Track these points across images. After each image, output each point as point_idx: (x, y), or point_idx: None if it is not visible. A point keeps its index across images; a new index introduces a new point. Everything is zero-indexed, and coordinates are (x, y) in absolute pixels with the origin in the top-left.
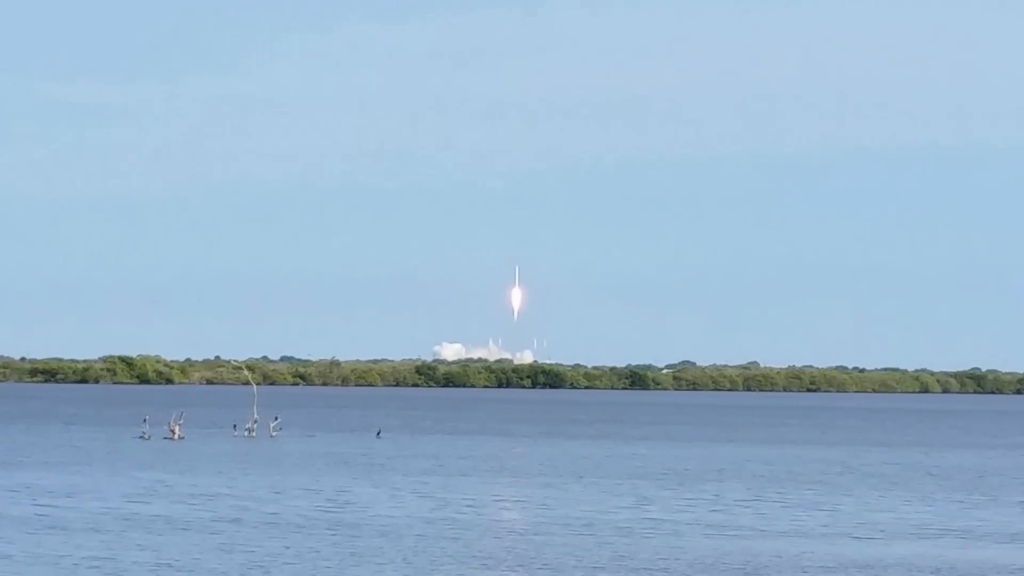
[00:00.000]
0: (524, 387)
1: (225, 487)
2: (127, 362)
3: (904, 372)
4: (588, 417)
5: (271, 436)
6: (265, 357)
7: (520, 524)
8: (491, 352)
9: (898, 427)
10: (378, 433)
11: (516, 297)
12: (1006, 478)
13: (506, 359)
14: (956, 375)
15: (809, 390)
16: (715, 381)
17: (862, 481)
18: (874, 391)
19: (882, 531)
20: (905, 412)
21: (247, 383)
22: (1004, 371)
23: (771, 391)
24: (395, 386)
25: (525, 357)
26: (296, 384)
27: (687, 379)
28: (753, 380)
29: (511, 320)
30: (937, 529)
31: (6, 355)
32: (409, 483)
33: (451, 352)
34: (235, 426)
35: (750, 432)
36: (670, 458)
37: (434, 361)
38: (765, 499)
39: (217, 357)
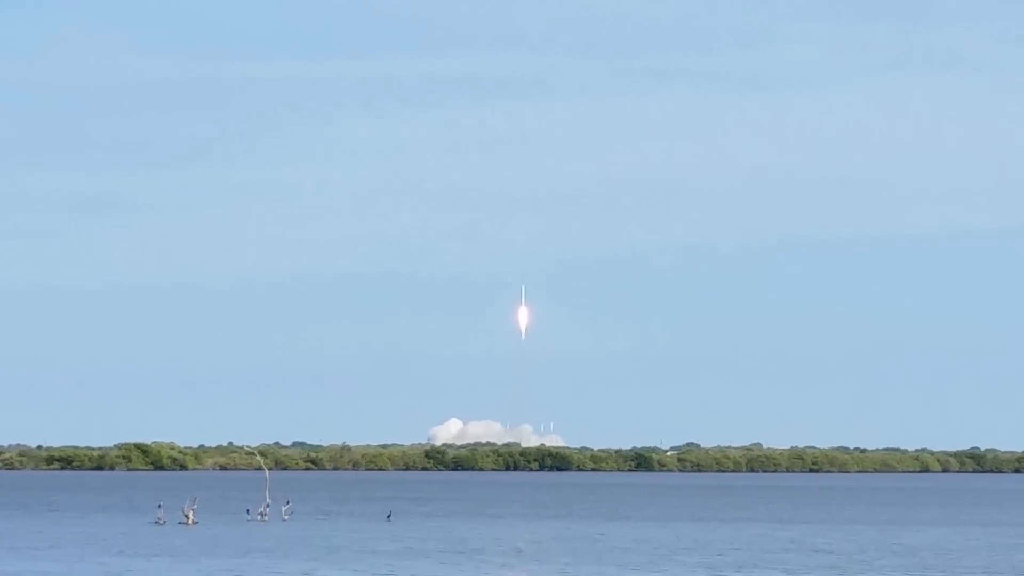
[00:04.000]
0: (531, 470)
1: (246, 568)
2: (142, 449)
3: (904, 452)
4: (579, 498)
5: (283, 520)
6: (277, 443)
7: None
8: (490, 428)
9: (877, 505)
10: (388, 516)
11: (523, 316)
12: (961, 554)
13: (513, 443)
14: (956, 454)
15: (811, 470)
16: (719, 462)
17: (808, 559)
18: (875, 471)
19: None
20: (895, 491)
21: (259, 468)
22: (1003, 450)
23: (774, 471)
24: (405, 470)
25: (524, 432)
26: (308, 469)
27: (691, 460)
28: (756, 461)
29: (514, 394)
30: None
31: (23, 443)
32: (377, 565)
33: (447, 432)
34: (248, 510)
35: (721, 512)
36: (638, 537)
37: (442, 446)
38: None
39: (230, 443)
